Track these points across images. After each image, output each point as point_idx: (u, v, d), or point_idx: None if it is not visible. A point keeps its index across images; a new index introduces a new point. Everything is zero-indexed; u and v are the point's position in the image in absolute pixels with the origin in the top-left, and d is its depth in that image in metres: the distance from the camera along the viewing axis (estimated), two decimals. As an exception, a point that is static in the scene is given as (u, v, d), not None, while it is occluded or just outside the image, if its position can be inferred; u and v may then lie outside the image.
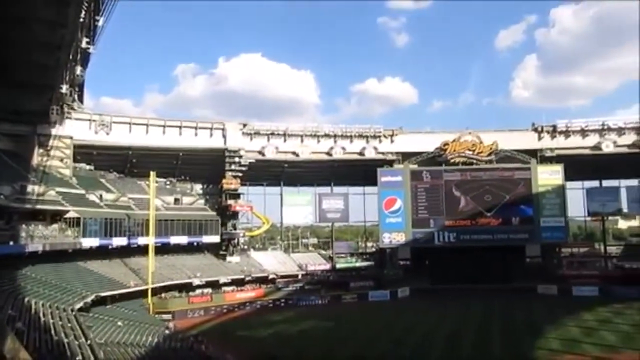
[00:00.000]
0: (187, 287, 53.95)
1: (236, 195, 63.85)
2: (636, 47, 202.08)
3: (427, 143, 67.01)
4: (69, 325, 26.87)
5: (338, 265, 67.22)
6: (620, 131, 64.40)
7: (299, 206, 70.58)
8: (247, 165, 63.63)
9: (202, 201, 65.62)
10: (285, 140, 66.29)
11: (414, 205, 64.94)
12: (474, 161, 65.52)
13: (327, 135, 67.29)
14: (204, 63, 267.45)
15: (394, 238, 64.64)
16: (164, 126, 60.87)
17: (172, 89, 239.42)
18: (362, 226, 78.07)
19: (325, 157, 67.21)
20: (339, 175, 71.31)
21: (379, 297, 58.78)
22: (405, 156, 66.88)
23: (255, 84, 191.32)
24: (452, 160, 65.61)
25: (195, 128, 62.32)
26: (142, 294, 46.41)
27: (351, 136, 67.58)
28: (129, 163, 60.07)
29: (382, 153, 67.61)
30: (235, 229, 63.46)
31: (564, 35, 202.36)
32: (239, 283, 58.06)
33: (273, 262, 65.39)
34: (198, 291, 54.57)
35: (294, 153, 66.32)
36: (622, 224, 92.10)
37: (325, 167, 69.58)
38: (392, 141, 67.91)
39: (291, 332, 42.01)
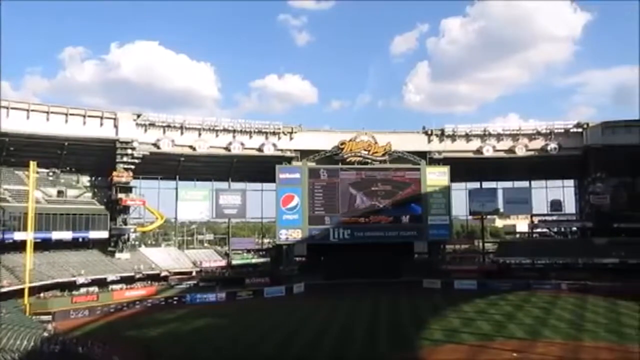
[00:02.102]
0: (70, 286, 50.70)
1: (127, 189, 61.00)
2: (514, 62, 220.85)
3: (325, 142, 68.43)
4: None
5: (234, 262, 66.57)
6: (499, 137, 70.10)
7: (195, 201, 68.81)
8: (141, 157, 61.04)
9: (89, 194, 61.78)
10: (182, 134, 64.39)
11: (311, 203, 66.03)
12: (369, 161, 67.93)
13: (226, 130, 66.35)
14: (94, 48, 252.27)
15: (290, 235, 65.29)
16: (47, 112, 56.32)
17: (57, 73, 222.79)
18: (259, 222, 78.07)
19: (224, 152, 66.28)
20: (237, 171, 70.61)
21: (275, 293, 59.11)
22: (304, 154, 67.82)
23: (152, 73, 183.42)
24: (348, 160, 67.53)
25: (84, 116, 58.51)
26: (18, 294, 42.77)
27: (250, 132, 67.24)
28: (5, 151, 54.89)
29: (281, 150, 68.03)
30: (125, 224, 60.54)
31: (452, 46, 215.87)
32: (128, 281, 55.53)
33: (166, 258, 63.21)
34: (83, 290, 51.54)
35: (191, 147, 64.65)
36: (499, 223, 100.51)
37: (224, 163, 68.60)
38: (291, 138, 68.56)
39: (183, 330, 40.98)
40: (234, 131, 66.64)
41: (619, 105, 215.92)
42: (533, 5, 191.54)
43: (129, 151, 60.12)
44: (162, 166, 66.15)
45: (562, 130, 68.99)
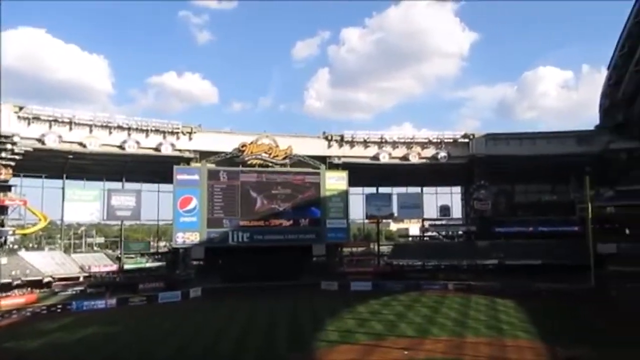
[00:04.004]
0: None
1: (6, 188, 56.26)
2: (409, 73, 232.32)
3: (225, 143, 67.47)
4: None
5: (126, 266, 63.46)
6: (394, 145, 73.37)
7: (84, 202, 64.45)
8: (23, 154, 56.30)
9: (-40, 193, 55.93)
10: (70, 129, 60.35)
11: (209, 205, 64.71)
12: (270, 164, 68.00)
13: (120, 127, 63.14)
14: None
15: (188, 238, 63.48)
16: None
17: None
18: (155, 225, 75.10)
19: (117, 150, 62.97)
20: (132, 171, 67.43)
21: (170, 299, 57.01)
22: (203, 155, 66.35)
23: (37, 62, 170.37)
24: (249, 162, 67.12)
25: (-44, 107, 52.91)
26: None
27: (147, 130, 64.53)
28: None
29: (180, 150, 66.01)
30: (2, 226, 55.86)
31: (352, 54, 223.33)
32: (5, 288, 50.96)
33: (49, 263, 58.71)
34: (-51, 299, 46.49)
35: (80, 144, 60.71)
36: (393, 226, 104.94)
37: (117, 161, 65.18)
38: (190, 139, 66.78)
39: (68, 340, 38.06)
40: (129, 129, 63.57)
41: (501, 118, 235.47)
42: (426, 22, 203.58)
43: (9, 146, 55.28)
44: (47, 164, 61.41)
45: (451, 140, 73.68)
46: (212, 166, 65.86)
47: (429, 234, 78.51)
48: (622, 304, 45.45)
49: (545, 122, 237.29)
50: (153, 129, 64.79)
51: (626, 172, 61.90)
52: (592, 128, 70.82)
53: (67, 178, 64.45)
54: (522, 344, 34.86)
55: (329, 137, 72.40)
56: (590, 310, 45.68)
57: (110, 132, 62.69)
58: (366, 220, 79.30)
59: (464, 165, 73.12)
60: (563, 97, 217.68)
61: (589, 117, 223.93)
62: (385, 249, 78.98)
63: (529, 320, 42.59)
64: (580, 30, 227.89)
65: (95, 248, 72.63)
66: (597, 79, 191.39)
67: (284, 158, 68.43)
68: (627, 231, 61.40)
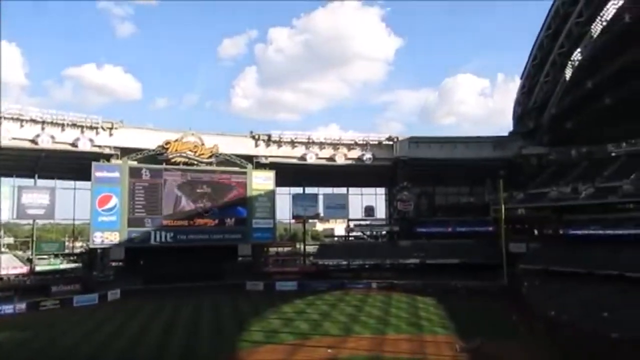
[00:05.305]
0: None
1: None
2: (336, 76, 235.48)
3: (148, 140, 65.16)
4: None
5: (38, 268, 59.76)
6: (321, 145, 74.07)
7: (-10, 200, 60.08)
8: None
9: None
10: (-24, 122, 55.98)
11: (131, 204, 62.32)
12: (195, 162, 66.53)
13: (33, 121, 59.20)
14: None
15: (106, 238, 60.71)
16: None
17: None
18: (70, 224, 71.24)
19: (30, 145, 59.04)
20: (46, 167, 63.50)
21: (87, 302, 54.28)
22: (125, 152, 63.69)
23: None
24: (173, 160, 65.29)
25: None
26: None
27: (63, 124, 60.93)
28: None
29: (99, 146, 62.87)
30: None
31: (279, 54, 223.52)
32: None
33: (-50, 265, 54.24)
34: None
35: (-13, 138, 56.48)
36: (319, 226, 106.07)
37: (29, 157, 61.09)
38: (110, 134, 63.82)
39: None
40: (44, 122, 59.76)
41: (423, 123, 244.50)
42: (353, 25, 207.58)
43: None
44: (-53, 158, 56.70)
45: (377, 143, 75.44)
46: (133, 163, 63.43)
47: (354, 234, 79.92)
48: (531, 299, 48.57)
49: (463, 128, 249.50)
50: (70, 123, 61.31)
51: (536, 176, 66.22)
52: (506, 134, 75.15)
53: (-29, 174, 59.75)
54: (440, 339, 36.44)
55: (256, 137, 71.91)
56: (503, 306, 48.51)
57: (22, 126, 58.60)
58: (292, 220, 79.57)
59: (388, 167, 75.17)
60: (480, 104, 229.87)
61: (504, 123, 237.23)
62: (311, 249, 79.58)
63: (447, 317, 44.58)
64: (495, 40, 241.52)
65: (3, 249, 67.61)
66: (511, 87, 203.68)
67: (210, 157, 67.18)
68: (536, 232, 65.62)
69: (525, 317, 41.74)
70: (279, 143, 72.56)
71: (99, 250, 62.44)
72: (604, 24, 49.81)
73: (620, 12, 47.12)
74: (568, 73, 58.67)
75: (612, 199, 51.43)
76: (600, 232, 52.08)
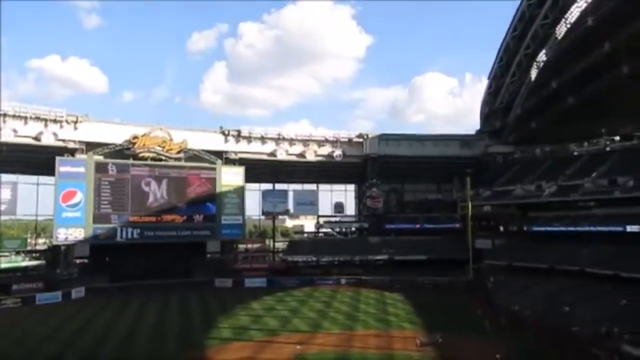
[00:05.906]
0: None
1: None
2: (307, 72, 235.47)
3: (115, 134, 63.84)
4: None
5: (-1, 266, 58.04)
6: (291, 142, 73.93)
7: (-52, 195, 58.04)
8: None
9: None
10: None
11: (96, 200, 60.95)
12: (164, 157, 65.53)
13: (-7, 114, 57.42)
14: None
15: (70, 234, 59.25)
16: None
17: None
18: (33, 220, 69.37)
19: (-10, 138, 57.24)
20: (7, 161, 61.46)
21: (49, 300, 52.92)
22: (90, 146, 62.24)
23: None
24: (141, 155, 64.14)
25: None
26: None
27: (26, 117, 59.12)
28: None
29: (63, 140, 61.32)
30: None
31: (249, 49, 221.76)
32: None
33: None
34: None
35: (-55, 130, 54.45)
36: (289, 223, 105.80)
37: (-11, 151, 59.24)
38: (75, 128, 62.26)
39: None
40: (5, 115, 57.74)
41: (392, 120, 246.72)
42: (323, 22, 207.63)
43: None
44: None
45: (347, 140, 75.76)
46: (99, 158, 62.09)
47: (324, 230, 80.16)
48: (495, 294, 49.69)
49: (433, 126, 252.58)
50: (33, 116, 59.54)
51: (501, 174, 67.64)
52: (473, 133, 76.51)
53: None
54: (407, 334, 36.90)
55: (226, 132, 71.25)
56: (468, 301, 49.45)
57: (-18, 118, 56.86)
58: (262, 217, 79.33)
59: (358, 164, 75.64)
60: (449, 102, 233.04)
61: (472, 122, 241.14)
62: (280, 245, 79.58)
63: (414, 312, 45.23)
64: (464, 40, 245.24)
65: (-40, 246, 65.41)
66: (479, 87, 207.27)
67: (179, 152, 66.29)
68: (501, 228, 67.09)
69: (489, 312, 42.70)
70: (249, 139, 72.08)
71: (62, 247, 60.88)
72: (568, 26, 51.13)
73: (583, 15, 48.48)
74: (533, 74, 60.06)
75: (574, 196, 53.00)
76: (563, 228, 53.53)
